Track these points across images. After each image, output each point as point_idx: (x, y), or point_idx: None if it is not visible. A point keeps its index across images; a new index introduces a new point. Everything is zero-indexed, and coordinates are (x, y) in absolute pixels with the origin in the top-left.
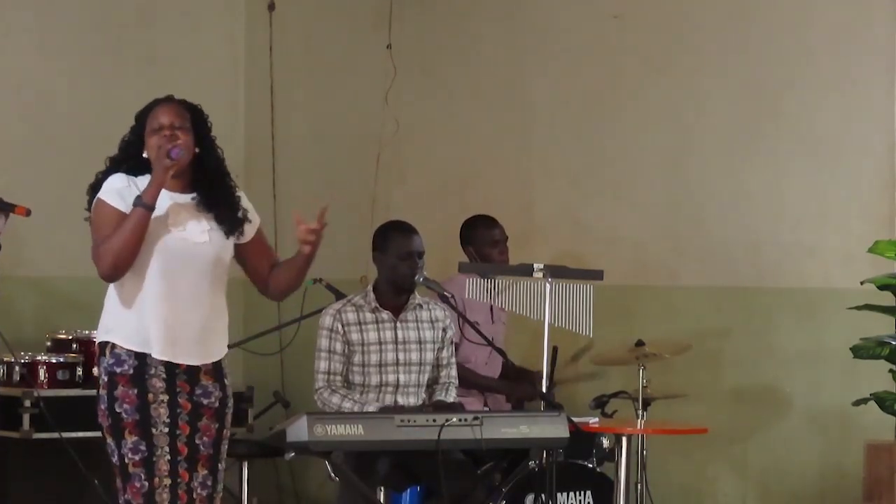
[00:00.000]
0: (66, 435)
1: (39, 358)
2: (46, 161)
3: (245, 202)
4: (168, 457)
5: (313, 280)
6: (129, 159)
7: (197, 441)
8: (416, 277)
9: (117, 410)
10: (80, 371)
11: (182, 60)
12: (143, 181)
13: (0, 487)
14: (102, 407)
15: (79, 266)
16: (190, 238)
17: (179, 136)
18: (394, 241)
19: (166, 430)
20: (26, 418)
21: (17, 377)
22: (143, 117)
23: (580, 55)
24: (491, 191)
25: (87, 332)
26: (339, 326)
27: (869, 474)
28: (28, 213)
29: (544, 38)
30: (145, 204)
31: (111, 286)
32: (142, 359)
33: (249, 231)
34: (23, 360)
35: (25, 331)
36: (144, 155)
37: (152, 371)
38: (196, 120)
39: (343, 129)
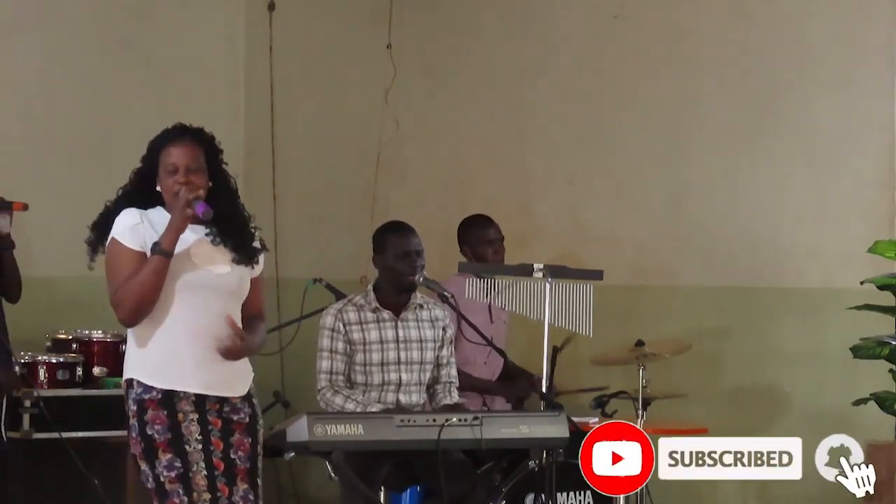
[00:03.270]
0: (66, 435)
1: (39, 358)
2: (46, 161)
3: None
4: (205, 472)
5: (313, 280)
6: (140, 191)
7: (233, 456)
8: (417, 277)
9: (149, 433)
10: (80, 371)
11: (182, 60)
12: (155, 213)
13: (0, 487)
14: (134, 435)
15: (79, 266)
16: (214, 269)
17: (193, 180)
18: (391, 241)
19: (199, 446)
20: (26, 418)
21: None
22: (155, 151)
23: (580, 55)
24: (491, 191)
25: (87, 331)
26: (341, 326)
27: None
28: (25, 207)
29: (544, 39)
30: (164, 251)
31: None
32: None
33: (257, 269)
34: (23, 360)
35: (25, 331)
36: (157, 188)
37: (181, 394)
38: (209, 152)
39: (343, 129)
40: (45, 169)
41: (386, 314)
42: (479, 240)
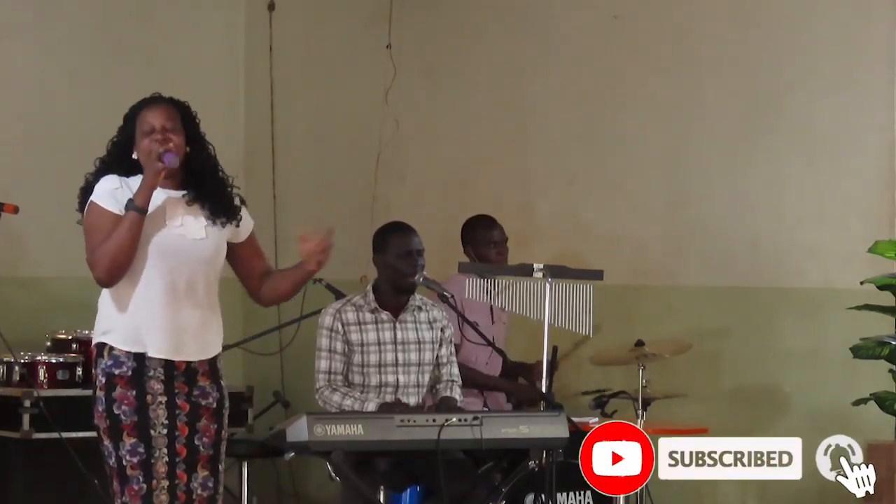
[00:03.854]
0: (66, 435)
1: (39, 358)
2: (46, 161)
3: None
4: (166, 458)
5: (313, 280)
6: (119, 161)
7: (196, 442)
8: (417, 277)
9: (116, 412)
10: (80, 371)
11: (182, 60)
12: (135, 181)
13: (0, 487)
14: (100, 409)
15: (79, 266)
16: (188, 235)
17: (171, 138)
18: (392, 241)
19: (165, 431)
20: (26, 418)
21: (17, 377)
22: (131, 118)
23: (580, 55)
24: (491, 191)
25: (87, 331)
26: (339, 326)
27: None
28: (16, 210)
29: (544, 39)
30: (137, 207)
31: (103, 290)
32: (140, 360)
33: (244, 231)
34: (23, 360)
35: (25, 331)
36: (134, 156)
37: (150, 373)
38: (185, 118)
39: (343, 129)
40: (44, 169)
41: (384, 315)
42: (484, 241)
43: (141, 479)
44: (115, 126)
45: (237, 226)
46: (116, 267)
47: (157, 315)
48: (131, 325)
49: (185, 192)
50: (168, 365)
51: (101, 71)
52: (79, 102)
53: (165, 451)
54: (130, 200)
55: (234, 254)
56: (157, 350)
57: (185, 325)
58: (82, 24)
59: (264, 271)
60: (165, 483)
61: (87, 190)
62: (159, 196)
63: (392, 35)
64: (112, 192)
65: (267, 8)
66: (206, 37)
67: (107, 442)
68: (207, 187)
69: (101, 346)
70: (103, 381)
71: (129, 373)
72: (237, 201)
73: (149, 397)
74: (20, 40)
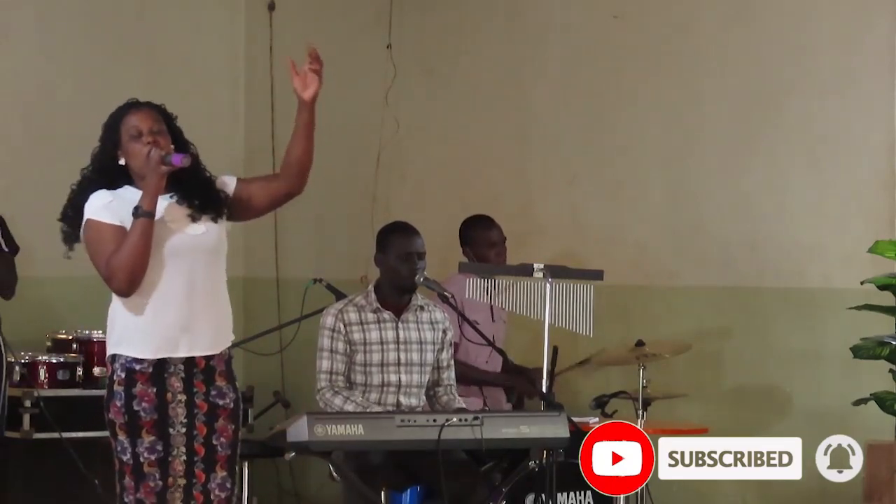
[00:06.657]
0: (66, 435)
1: (39, 358)
2: (46, 161)
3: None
4: (184, 457)
5: (313, 280)
6: (106, 169)
7: (214, 442)
8: (417, 278)
9: (135, 408)
10: (80, 371)
11: (182, 60)
12: (126, 192)
13: (0, 487)
14: (118, 403)
15: (79, 266)
16: (190, 231)
17: (160, 141)
18: (394, 241)
19: (183, 430)
20: (26, 418)
21: (17, 377)
22: (114, 125)
23: (580, 55)
24: (491, 191)
25: (87, 332)
26: (341, 326)
27: (869, 474)
28: None
29: (544, 38)
30: (146, 212)
31: (114, 300)
32: (161, 360)
33: (231, 184)
34: (23, 360)
35: (25, 331)
36: (121, 162)
37: (171, 369)
38: (168, 121)
39: (343, 129)
40: (45, 169)
41: (387, 315)
42: (482, 241)
43: (157, 476)
44: None
45: (226, 218)
46: (135, 275)
47: (170, 319)
48: (149, 331)
49: (171, 194)
50: (188, 362)
51: (101, 71)
52: (79, 102)
53: (184, 449)
54: (138, 207)
55: (243, 195)
56: (176, 351)
57: (200, 322)
58: (82, 24)
59: (273, 176)
60: (182, 482)
61: (75, 206)
62: (160, 203)
63: (392, 35)
64: (107, 206)
65: (267, 8)
66: (206, 37)
67: (122, 437)
68: (195, 187)
69: (116, 354)
70: (122, 375)
71: (150, 369)
72: (217, 182)
73: (168, 395)
74: (20, 40)
